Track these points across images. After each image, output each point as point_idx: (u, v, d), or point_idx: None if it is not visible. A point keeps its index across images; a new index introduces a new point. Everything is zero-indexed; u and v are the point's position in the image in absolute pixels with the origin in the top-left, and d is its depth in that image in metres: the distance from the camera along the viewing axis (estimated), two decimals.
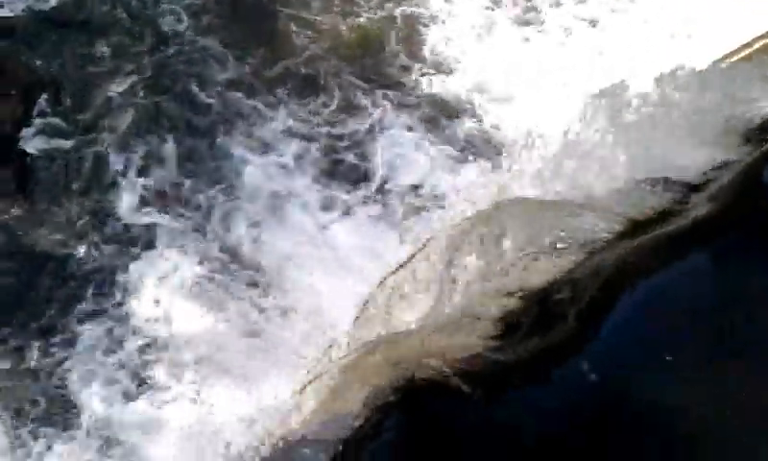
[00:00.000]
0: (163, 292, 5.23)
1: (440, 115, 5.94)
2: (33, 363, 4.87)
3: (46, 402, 4.68)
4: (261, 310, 5.12)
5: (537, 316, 3.73)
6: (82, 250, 5.26)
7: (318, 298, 5.01)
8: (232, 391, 4.82)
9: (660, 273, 3.56)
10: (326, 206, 5.55)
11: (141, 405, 4.83)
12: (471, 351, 3.69)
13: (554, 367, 3.40)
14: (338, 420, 3.79)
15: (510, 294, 3.87)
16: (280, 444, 4.00)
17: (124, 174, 5.54)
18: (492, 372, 3.58)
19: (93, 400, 4.77)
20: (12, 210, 5.39)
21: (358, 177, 5.68)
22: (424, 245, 4.44)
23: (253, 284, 5.25)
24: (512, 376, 3.55)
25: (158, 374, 4.93)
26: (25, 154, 5.56)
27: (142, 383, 4.86)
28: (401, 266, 4.51)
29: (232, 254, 5.35)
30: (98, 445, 4.68)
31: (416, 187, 5.51)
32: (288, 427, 4.12)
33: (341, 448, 3.57)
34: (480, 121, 5.92)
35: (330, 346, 4.36)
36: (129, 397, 4.82)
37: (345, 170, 5.75)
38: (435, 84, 6.15)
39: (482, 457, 3.32)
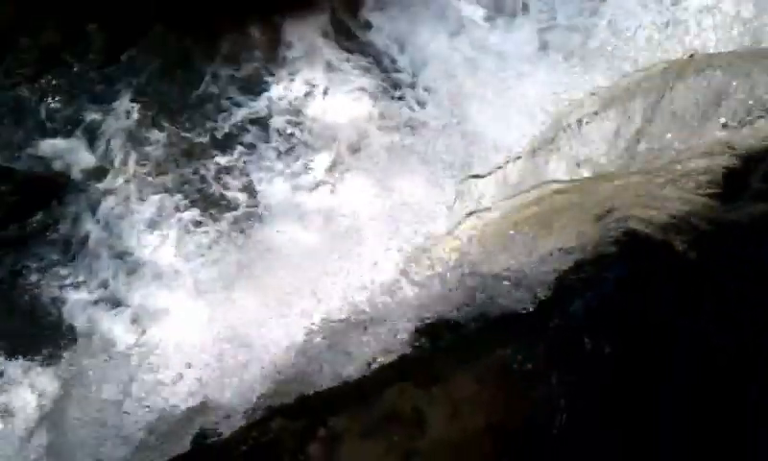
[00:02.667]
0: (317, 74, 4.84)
1: None
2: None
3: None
4: (418, 118, 4.72)
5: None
6: None
7: (483, 117, 4.63)
8: (372, 189, 4.52)
9: None
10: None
11: (280, 185, 4.56)
12: (693, 206, 3.51)
13: None
14: (526, 255, 3.62)
15: (729, 150, 3.66)
16: (450, 266, 3.77)
17: None
18: (718, 232, 3.42)
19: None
20: None
21: None
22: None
23: (411, 86, 4.83)
24: (740, 239, 3.41)
25: (301, 155, 4.63)
26: None
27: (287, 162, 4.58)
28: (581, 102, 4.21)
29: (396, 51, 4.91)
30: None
31: None
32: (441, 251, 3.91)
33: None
34: None
35: (500, 168, 4.07)
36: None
37: None
38: None
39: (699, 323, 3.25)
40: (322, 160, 4.79)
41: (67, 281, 4.25)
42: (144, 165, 4.61)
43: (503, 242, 3.73)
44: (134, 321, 4.06)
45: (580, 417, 2.92)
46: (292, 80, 4.97)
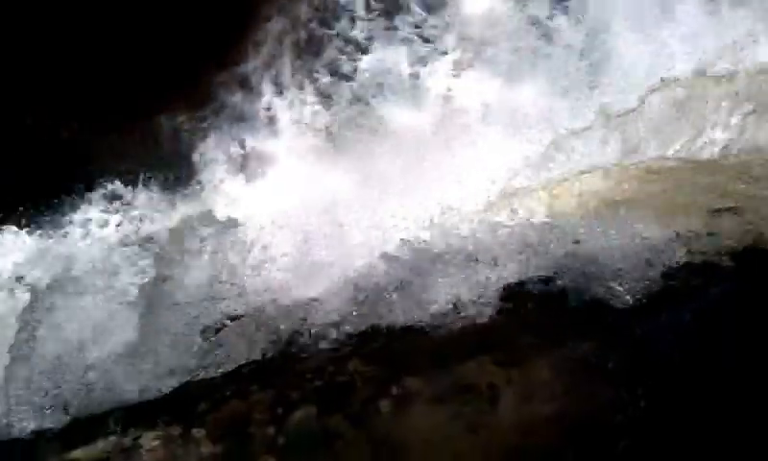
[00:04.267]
0: None
1: None
2: None
3: None
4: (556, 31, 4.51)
5: None
6: None
7: (626, 50, 4.35)
8: (495, 91, 4.39)
9: None
10: None
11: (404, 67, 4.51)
12: None
13: None
14: (628, 238, 3.49)
15: None
16: (549, 224, 3.66)
17: None
18: None
19: None
20: None
21: None
22: None
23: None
24: None
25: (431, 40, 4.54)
26: None
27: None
28: None
29: None
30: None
31: None
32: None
33: None
34: None
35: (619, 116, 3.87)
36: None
37: None
38: None
39: None
40: (450, 50, 4.68)
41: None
42: None
43: (604, 216, 3.61)
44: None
45: (657, 428, 2.87)
46: None
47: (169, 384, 3.11)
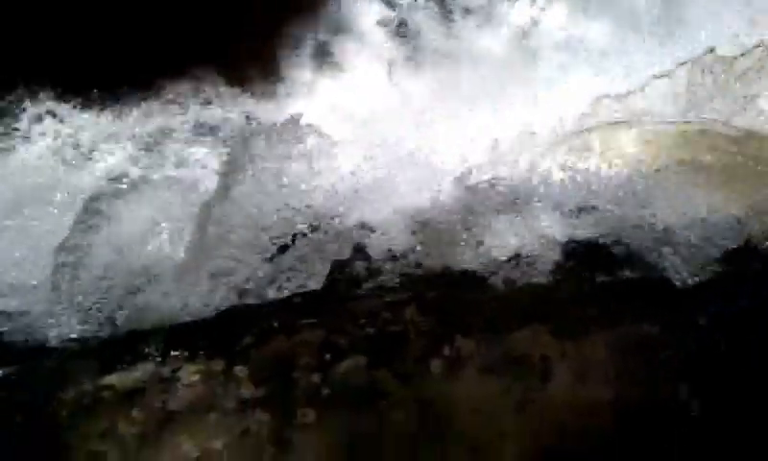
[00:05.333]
0: None
1: None
2: None
3: None
4: None
5: None
6: None
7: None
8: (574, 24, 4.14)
9: None
10: None
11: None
12: None
13: None
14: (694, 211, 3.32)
15: None
16: (612, 174, 3.47)
17: None
18: None
19: None
20: None
21: None
22: None
23: None
24: None
25: None
26: None
27: None
28: None
29: None
30: None
31: None
32: None
33: None
34: None
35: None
36: None
37: None
38: None
39: None
40: None
41: None
42: None
43: (675, 179, 3.43)
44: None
45: (713, 419, 2.80)
46: None
47: (218, 305, 2.94)
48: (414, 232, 3.23)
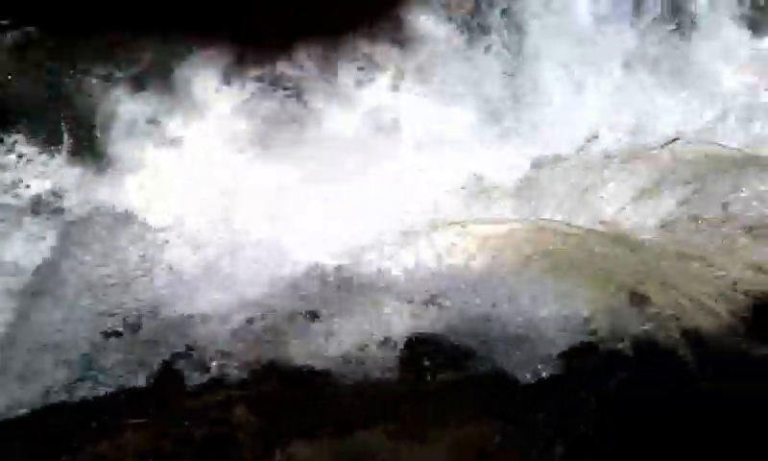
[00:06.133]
0: None
1: None
2: None
3: None
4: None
5: None
6: None
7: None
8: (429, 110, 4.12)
9: None
10: None
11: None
12: None
13: None
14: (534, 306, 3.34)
15: None
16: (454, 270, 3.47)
17: None
18: None
19: None
20: None
21: None
22: None
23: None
24: None
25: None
26: None
27: None
28: None
29: None
30: None
31: None
32: None
33: None
34: None
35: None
36: None
37: None
38: None
39: None
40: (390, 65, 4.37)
41: None
42: None
43: (524, 276, 3.44)
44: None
45: None
46: None
47: (40, 402, 2.67)
48: (249, 323, 3.08)
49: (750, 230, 3.54)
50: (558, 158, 3.79)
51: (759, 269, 3.51)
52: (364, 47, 4.02)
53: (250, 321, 3.12)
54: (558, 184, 3.71)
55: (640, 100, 4.22)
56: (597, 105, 4.12)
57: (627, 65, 4.31)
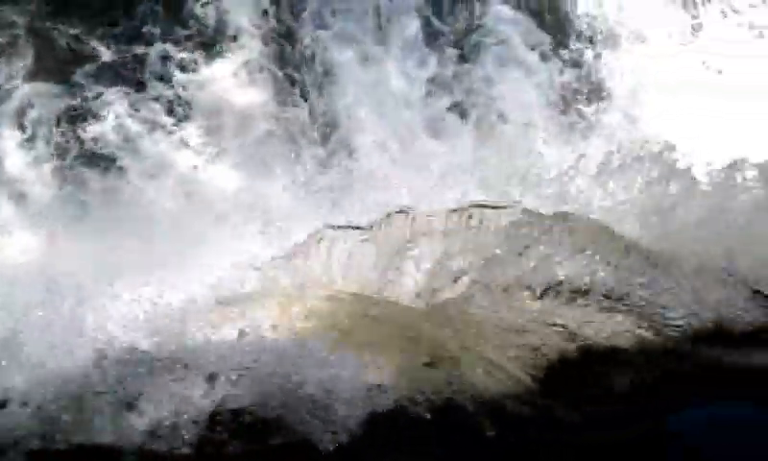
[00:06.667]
0: None
1: None
2: None
3: None
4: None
5: None
6: None
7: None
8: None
9: None
10: None
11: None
12: None
13: None
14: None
15: None
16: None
17: None
18: None
19: None
20: None
21: None
22: None
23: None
24: None
25: None
26: None
27: None
28: None
29: None
30: None
31: None
32: None
33: None
34: None
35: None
36: None
37: None
38: None
39: None
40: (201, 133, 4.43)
41: None
42: None
43: (317, 345, 3.51)
44: None
45: None
46: None
47: None
48: (51, 403, 3.04)
49: (540, 293, 3.80)
50: (365, 228, 3.94)
51: (552, 328, 3.78)
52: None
53: (52, 401, 3.08)
54: (364, 255, 3.86)
55: (441, 165, 4.48)
56: (401, 171, 4.34)
57: (431, 133, 4.60)
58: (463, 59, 5.23)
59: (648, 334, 3.86)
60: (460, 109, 5.05)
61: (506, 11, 5.40)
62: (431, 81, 4.95)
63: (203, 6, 4.64)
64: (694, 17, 5.91)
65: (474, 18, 5.40)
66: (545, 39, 5.54)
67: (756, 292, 3.92)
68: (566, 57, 5.64)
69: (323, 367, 3.40)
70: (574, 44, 5.69)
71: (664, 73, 5.56)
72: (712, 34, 5.80)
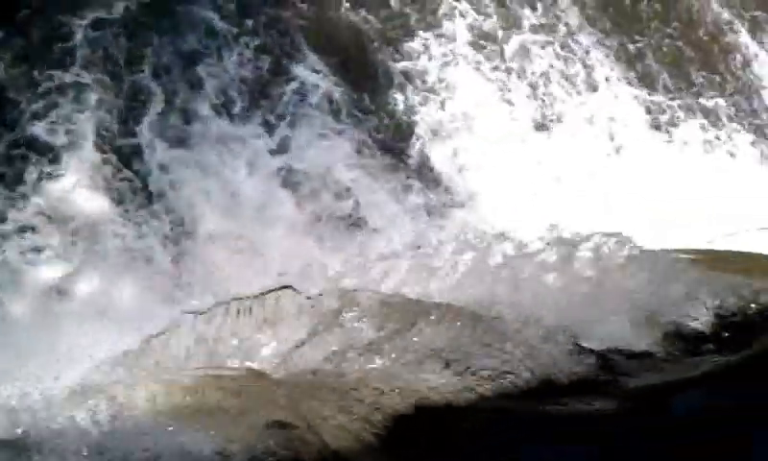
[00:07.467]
0: None
1: None
2: None
3: None
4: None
5: None
6: None
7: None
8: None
9: None
10: None
11: None
12: None
13: None
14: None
15: None
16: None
17: None
18: None
19: None
20: None
21: None
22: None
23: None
24: None
25: None
26: None
27: None
28: None
29: None
30: None
31: None
32: None
33: None
34: None
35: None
36: None
37: None
38: None
39: None
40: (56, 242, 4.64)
41: None
42: None
43: (173, 424, 3.71)
44: None
45: None
46: None
47: None
48: None
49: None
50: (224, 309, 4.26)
51: (393, 390, 4.15)
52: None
53: None
54: (224, 333, 4.16)
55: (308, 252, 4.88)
56: (262, 262, 4.72)
57: (291, 227, 5.03)
58: None
59: (482, 389, 4.28)
60: None
61: None
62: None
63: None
64: None
65: None
66: None
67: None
68: None
69: (185, 446, 3.61)
70: None
71: None
72: None
